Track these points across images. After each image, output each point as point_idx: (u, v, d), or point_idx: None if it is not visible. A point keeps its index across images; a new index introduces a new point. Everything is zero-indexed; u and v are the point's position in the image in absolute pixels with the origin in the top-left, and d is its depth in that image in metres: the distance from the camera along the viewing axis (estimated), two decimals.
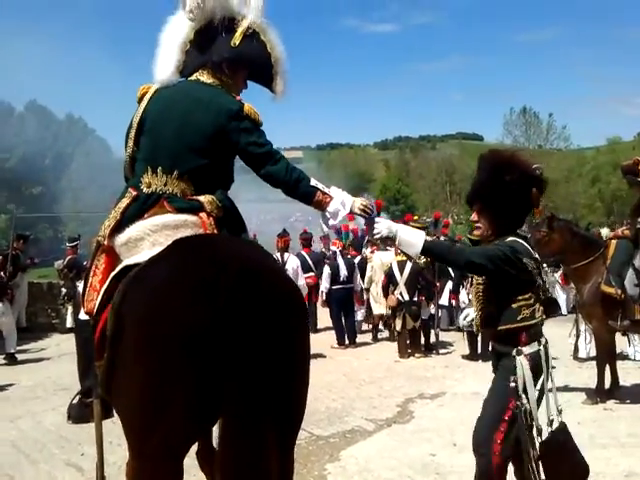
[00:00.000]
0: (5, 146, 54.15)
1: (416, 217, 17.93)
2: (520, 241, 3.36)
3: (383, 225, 3.20)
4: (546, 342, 3.33)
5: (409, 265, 9.69)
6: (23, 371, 9.44)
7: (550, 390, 3.31)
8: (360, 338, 11.40)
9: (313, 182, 2.92)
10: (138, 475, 2.29)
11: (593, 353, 7.80)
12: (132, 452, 2.27)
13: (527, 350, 3.25)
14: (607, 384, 6.82)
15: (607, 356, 6.85)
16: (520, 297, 3.28)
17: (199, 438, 2.94)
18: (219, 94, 2.83)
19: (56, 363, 9.82)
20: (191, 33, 2.89)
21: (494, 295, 3.38)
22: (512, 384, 3.20)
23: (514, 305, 3.28)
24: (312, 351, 8.21)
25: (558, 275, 12.99)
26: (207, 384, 2.06)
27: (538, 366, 3.24)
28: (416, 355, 9.59)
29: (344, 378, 8.44)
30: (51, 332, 12.84)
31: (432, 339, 10.16)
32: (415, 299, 9.69)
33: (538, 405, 3.24)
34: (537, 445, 3.20)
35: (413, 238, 3.22)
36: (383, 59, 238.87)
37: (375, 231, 3.17)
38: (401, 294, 9.63)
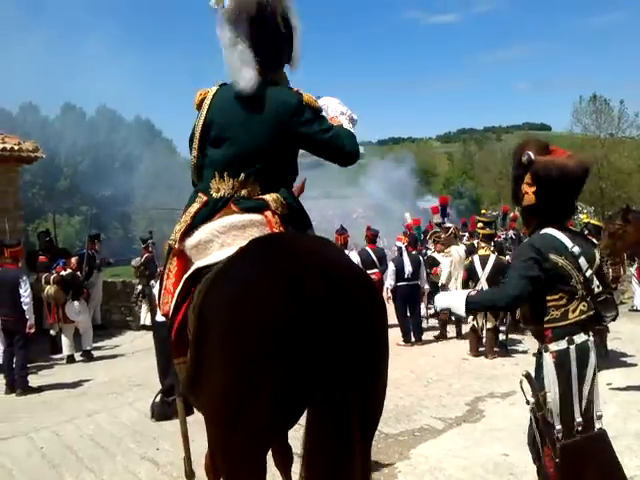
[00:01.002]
0: (78, 150, 56.29)
1: (483, 211, 17.59)
2: (549, 233, 3.25)
3: (438, 303, 3.44)
4: (585, 341, 3.19)
5: (492, 259, 9.46)
6: (99, 367, 9.83)
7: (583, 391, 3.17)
8: (424, 335, 11.27)
9: (351, 128, 2.93)
10: (222, 470, 2.33)
11: None
12: (216, 447, 2.32)
13: (553, 347, 3.17)
14: None
15: None
16: (548, 297, 3.19)
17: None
18: (278, 91, 2.82)
19: (130, 360, 10.16)
20: (244, 27, 2.77)
21: None
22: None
23: (543, 305, 3.21)
24: None
25: (634, 269, 12.49)
26: (293, 379, 2.08)
27: (565, 365, 3.14)
28: (489, 357, 9.27)
29: (412, 375, 8.37)
30: (125, 329, 13.27)
31: (501, 337, 9.92)
32: None
33: (572, 404, 3.13)
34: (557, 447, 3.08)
35: (457, 303, 3.34)
36: (445, 50, 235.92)
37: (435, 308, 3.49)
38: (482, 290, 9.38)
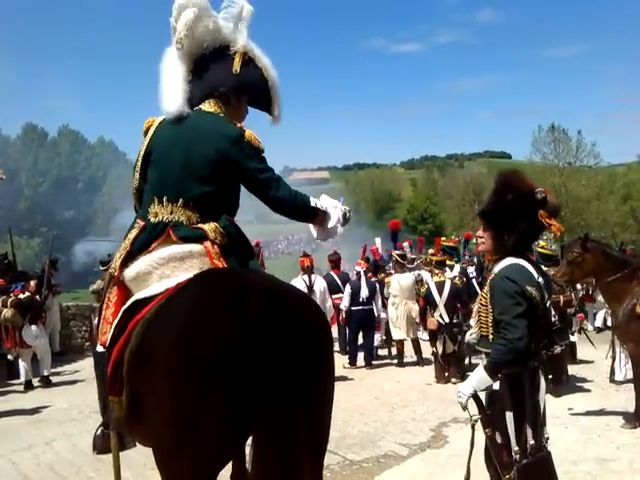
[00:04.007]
0: (39, 170, 55.46)
1: (444, 238, 17.80)
2: (519, 264, 3.35)
3: (463, 398, 3.28)
4: (536, 367, 3.30)
5: (448, 286, 9.56)
6: (58, 393, 9.57)
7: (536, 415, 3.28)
8: (384, 361, 11.44)
9: (312, 202, 2.99)
10: None
11: (630, 375, 7.64)
12: (165, 471, 2.30)
13: (507, 371, 3.25)
14: None
15: None
16: None
17: (233, 459, 2.96)
18: (220, 122, 2.88)
19: (90, 385, 9.86)
20: (191, 63, 2.96)
21: (491, 319, 3.38)
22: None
23: None
24: (343, 373, 8.17)
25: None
26: (239, 400, 2.10)
27: (517, 388, 3.23)
28: (452, 380, 9.29)
29: (376, 401, 8.36)
30: (84, 354, 12.98)
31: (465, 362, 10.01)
32: (455, 321, 9.46)
33: (525, 427, 3.23)
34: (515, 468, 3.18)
35: (483, 379, 3.29)
36: (409, 78, 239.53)
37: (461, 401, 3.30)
38: (441, 316, 9.45)
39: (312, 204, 2.97)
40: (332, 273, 11.68)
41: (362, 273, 11.18)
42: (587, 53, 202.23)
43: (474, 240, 17.12)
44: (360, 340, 11.21)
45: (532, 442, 3.21)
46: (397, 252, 11.94)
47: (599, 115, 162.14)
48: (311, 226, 3.11)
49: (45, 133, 61.55)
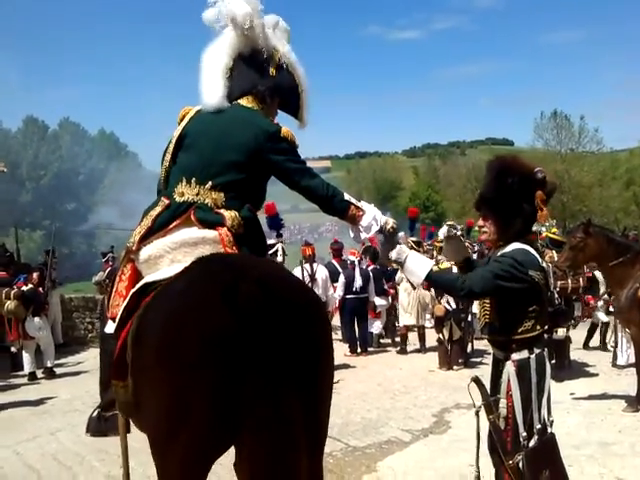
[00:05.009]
0: (40, 163, 55.46)
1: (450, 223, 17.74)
2: (526, 249, 3.31)
3: (402, 255, 3.26)
4: (542, 351, 3.29)
5: (454, 272, 9.53)
6: (62, 385, 9.63)
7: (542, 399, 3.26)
8: (386, 349, 11.50)
9: (347, 197, 3.02)
10: None
11: (632, 360, 7.64)
12: (157, 461, 2.30)
13: (515, 356, 3.25)
14: None
15: None
16: (522, 309, 3.25)
17: (234, 446, 2.96)
18: (259, 116, 2.96)
19: (94, 376, 9.93)
20: (230, 61, 3.03)
21: (496, 305, 3.37)
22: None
23: (515, 317, 3.26)
24: (346, 360, 8.19)
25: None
26: (228, 390, 2.08)
27: (525, 374, 3.22)
28: (454, 368, 9.36)
29: (379, 388, 8.40)
30: (88, 345, 13.03)
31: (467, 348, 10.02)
32: (461, 307, 9.48)
33: (533, 411, 3.21)
34: (522, 452, 3.16)
35: (419, 267, 3.26)
36: (409, 66, 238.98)
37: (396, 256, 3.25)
38: (448, 302, 9.44)
39: (345, 198, 3.00)
40: (334, 262, 11.69)
41: (356, 262, 11.27)
42: (589, 39, 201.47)
43: (476, 228, 17.09)
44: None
45: (539, 426, 3.20)
46: (412, 239, 11.94)
47: (601, 101, 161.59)
48: (350, 228, 3.13)
49: (46, 126, 61.42)
